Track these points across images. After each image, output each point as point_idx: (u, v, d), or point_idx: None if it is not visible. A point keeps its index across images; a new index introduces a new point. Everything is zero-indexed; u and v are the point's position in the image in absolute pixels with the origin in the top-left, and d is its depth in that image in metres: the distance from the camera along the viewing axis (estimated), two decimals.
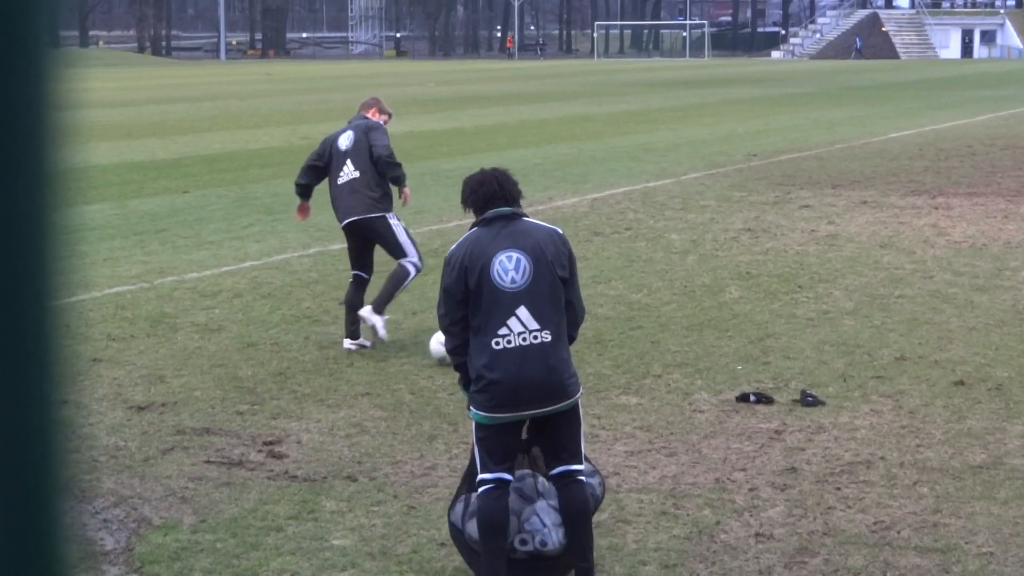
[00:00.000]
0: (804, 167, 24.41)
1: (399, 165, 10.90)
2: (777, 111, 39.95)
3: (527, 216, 6.52)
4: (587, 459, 6.52)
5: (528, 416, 6.19)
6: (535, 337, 6.13)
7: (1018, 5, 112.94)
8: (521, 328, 6.13)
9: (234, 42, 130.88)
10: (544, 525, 6.29)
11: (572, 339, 6.38)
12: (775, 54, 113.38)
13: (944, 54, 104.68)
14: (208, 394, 9.68)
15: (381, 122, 11.13)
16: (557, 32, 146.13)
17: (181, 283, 13.79)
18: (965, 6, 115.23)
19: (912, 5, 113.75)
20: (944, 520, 7.11)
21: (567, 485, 6.22)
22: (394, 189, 11.02)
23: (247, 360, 10.66)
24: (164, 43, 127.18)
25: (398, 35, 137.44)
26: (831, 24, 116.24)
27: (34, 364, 1.03)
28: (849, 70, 75.40)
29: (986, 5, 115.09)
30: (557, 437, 6.25)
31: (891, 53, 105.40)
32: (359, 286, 11.04)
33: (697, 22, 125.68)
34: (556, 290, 6.24)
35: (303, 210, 11.47)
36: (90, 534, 6.93)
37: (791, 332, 11.41)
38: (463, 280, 6.20)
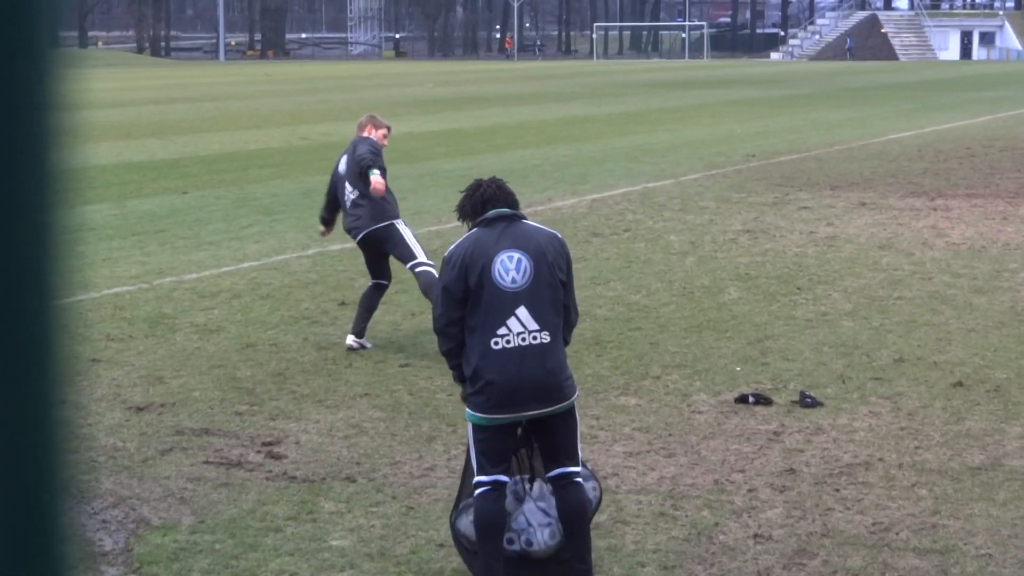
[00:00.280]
0: (803, 168, 24.41)
1: (365, 159, 10.75)
2: (776, 112, 39.95)
3: (527, 219, 6.54)
4: (583, 463, 6.52)
5: (525, 417, 6.19)
6: (534, 338, 6.14)
7: (1017, 7, 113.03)
8: (520, 328, 6.14)
9: (233, 42, 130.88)
10: (529, 524, 6.30)
11: (566, 343, 6.39)
12: (774, 55, 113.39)
13: (943, 55, 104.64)
14: (207, 395, 9.69)
15: (374, 137, 11.15)
16: (556, 33, 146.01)
17: (180, 284, 13.79)
18: (964, 7, 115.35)
19: (911, 6, 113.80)
20: (943, 521, 7.11)
21: (565, 487, 6.23)
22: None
23: (246, 361, 10.66)
24: (163, 43, 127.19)
25: (397, 36, 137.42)
26: (830, 25, 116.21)
27: (34, 364, 1.03)
28: (848, 71, 75.40)
29: (985, 7, 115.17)
30: (554, 439, 6.25)
31: (890, 54, 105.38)
32: (377, 289, 11.14)
33: (696, 23, 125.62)
34: (555, 292, 6.25)
35: (324, 232, 11.82)
36: (89, 535, 6.92)
37: (790, 333, 11.41)
38: (463, 278, 6.21)
